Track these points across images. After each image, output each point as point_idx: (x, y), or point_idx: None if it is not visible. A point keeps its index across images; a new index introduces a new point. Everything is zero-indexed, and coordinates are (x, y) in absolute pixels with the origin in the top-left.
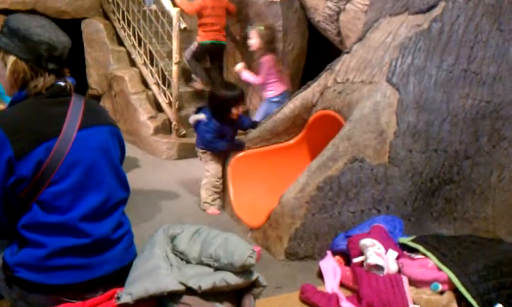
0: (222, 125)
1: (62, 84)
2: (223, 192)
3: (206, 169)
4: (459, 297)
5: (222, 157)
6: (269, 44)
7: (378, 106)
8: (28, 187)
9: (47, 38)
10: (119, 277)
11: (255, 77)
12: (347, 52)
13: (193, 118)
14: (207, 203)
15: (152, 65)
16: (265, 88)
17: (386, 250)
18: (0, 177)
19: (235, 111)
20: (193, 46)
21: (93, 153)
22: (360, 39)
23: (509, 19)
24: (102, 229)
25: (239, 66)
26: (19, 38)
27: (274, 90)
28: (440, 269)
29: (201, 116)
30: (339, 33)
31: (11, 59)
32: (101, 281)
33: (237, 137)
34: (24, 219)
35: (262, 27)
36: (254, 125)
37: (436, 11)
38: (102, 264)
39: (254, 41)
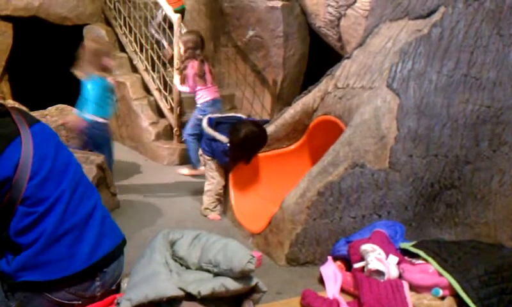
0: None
1: None
2: (223, 198)
3: (211, 176)
4: (460, 303)
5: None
6: (193, 50)
7: (378, 111)
8: (10, 188)
9: None
10: (112, 257)
11: (185, 86)
12: (348, 58)
13: (212, 133)
14: (208, 209)
15: (154, 71)
16: (196, 96)
17: (387, 255)
18: None
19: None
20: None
21: (50, 141)
22: (360, 44)
23: (508, 24)
24: (85, 208)
25: (176, 80)
26: None
27: (200, 98)
28: (440, 274)
29: (223, 140)
30: (340, 38)
31: None
32: (97, 267)
33: None
34: (13, 225)
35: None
36: None
37: (436, 17)
38: (95, 249)
39: (181, 48)
